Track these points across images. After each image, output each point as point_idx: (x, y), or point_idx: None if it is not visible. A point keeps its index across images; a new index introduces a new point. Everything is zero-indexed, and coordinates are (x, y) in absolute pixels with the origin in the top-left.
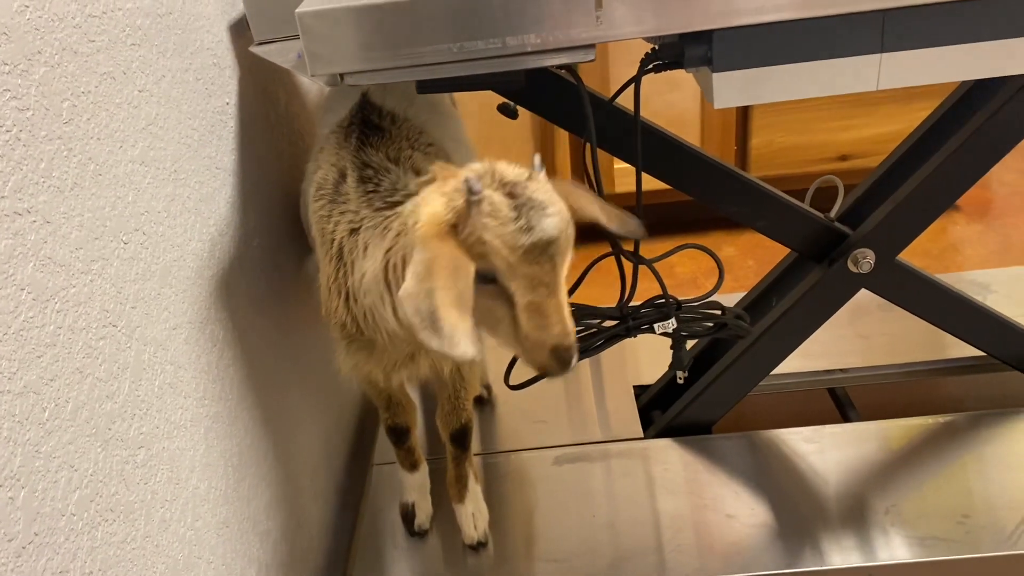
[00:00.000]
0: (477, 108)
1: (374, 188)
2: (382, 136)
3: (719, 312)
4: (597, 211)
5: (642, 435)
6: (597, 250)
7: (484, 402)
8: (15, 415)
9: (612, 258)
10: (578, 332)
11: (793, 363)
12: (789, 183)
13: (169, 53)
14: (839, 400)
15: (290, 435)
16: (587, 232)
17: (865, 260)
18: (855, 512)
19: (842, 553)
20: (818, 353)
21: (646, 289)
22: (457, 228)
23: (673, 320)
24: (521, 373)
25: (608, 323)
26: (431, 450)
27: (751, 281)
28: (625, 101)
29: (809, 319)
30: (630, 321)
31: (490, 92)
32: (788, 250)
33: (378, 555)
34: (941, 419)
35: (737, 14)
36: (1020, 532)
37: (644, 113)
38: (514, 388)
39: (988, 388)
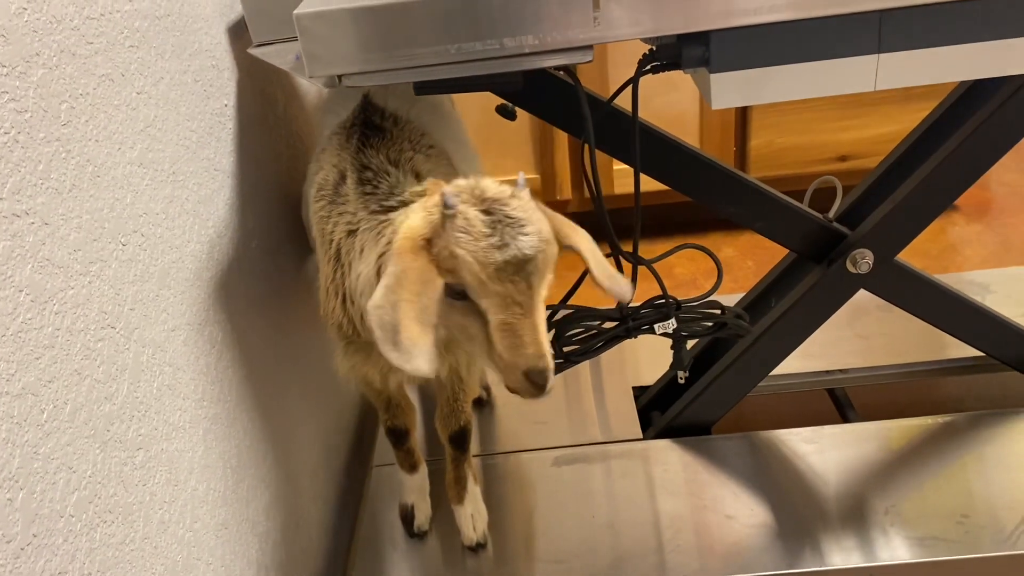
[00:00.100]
0: (476, 109)
1: (372, 190)
2: (383, 137)
3: (719, 312)
4: (586, 251)
5: (641, 436)
6: None
7: (483, 403)
8: (13, 416)
9: (611, 259)
10: (578, 334)
11: (792, 364)
12: (788, 184)
13: (167, 55)
14: (838, 400)
15: (289, 436)
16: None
17: (864, 260)
18: (855, 512)
19: (842, 553)
20: (817, 354)
21: (646, 290)
22: (431, 243)
23: (673, 320)
24: None
25: (608, 324)
26: (430, 451)
27: (750, 282)
28: (623, 102)
29: (808, 320)
30: (630, 322)
31: (488, 93)
32: (787, 251)
33: (377, 556)
34: (940, 419)
35: (735, 15)
36: (1020, 532)
37: (643, 114)
38: None
39: (987, 388)
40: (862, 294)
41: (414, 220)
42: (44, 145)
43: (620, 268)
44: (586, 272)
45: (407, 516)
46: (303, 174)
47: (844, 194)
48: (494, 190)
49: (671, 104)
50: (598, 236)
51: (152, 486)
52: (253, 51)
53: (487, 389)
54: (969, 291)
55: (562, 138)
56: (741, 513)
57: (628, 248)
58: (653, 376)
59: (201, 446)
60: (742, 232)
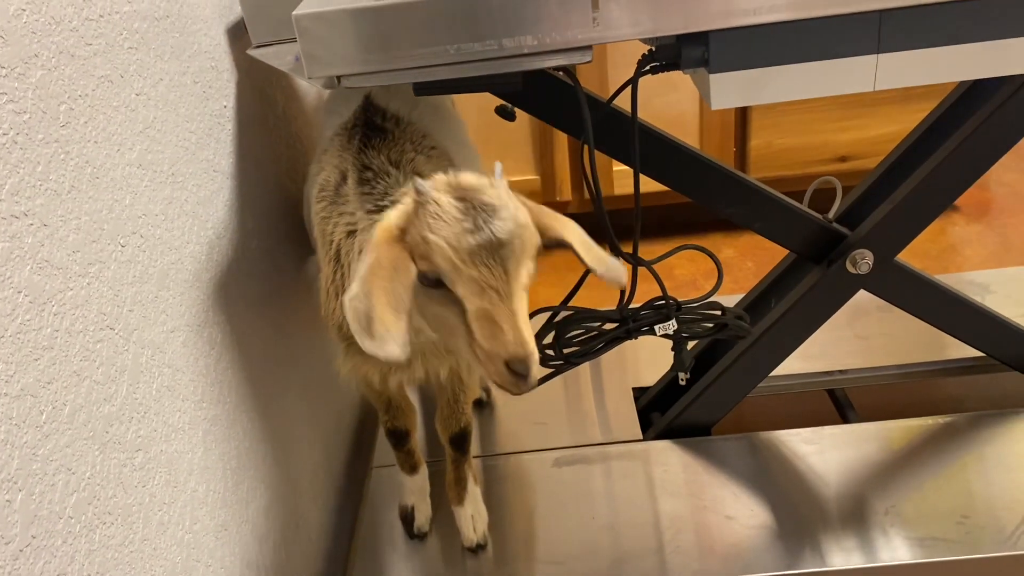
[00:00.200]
0: (475, 110)
1: (370, 190)
2: (384, 138)
3: (719, 312)
4: (574, 239)
5: (641, 437)
6: None
7: (484, 404)
8: (12, 418)
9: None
10: (578, 335)
11: (792, 364)
12: (788, 184)
13: (167, 56)
14: (838, 401)
15: (289, 438)
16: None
17: (864, 261)
18: (855, 513)
19: (842, 554)
20: (817, 354)
21: (646, 291)
22: (406, 232)
23: (673, 321)
24: None
25: (608, 325)
26: (431, 452)
27: (750, 283)
28: (623, 103)
29: (808, 320)
30: (630, 323)
31: (488, 94)
32: (787, 251)
33: (377, 558)
34: (940, 420)
35: (734, 15)
36: (1020, 532)
37: (642, 115)
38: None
39: (987, 389)
40: (862, 295)
41: (391, 213)
42: (43, 146)
43: None
44: (586, 273)
45: (407, 517)
46: (303, 175)
47: (844, 195)
48: (470, 181)
49: (671, 105)
50: (598, 237)
51: (151, 487)
52: (252, 52)
53: (487, 390)
54: (969, 291)
55: (562, 139)
56: (741, 514)
57: (628, 249)
58: (653, 377)
59: (200, 447)
60: (742, 233)
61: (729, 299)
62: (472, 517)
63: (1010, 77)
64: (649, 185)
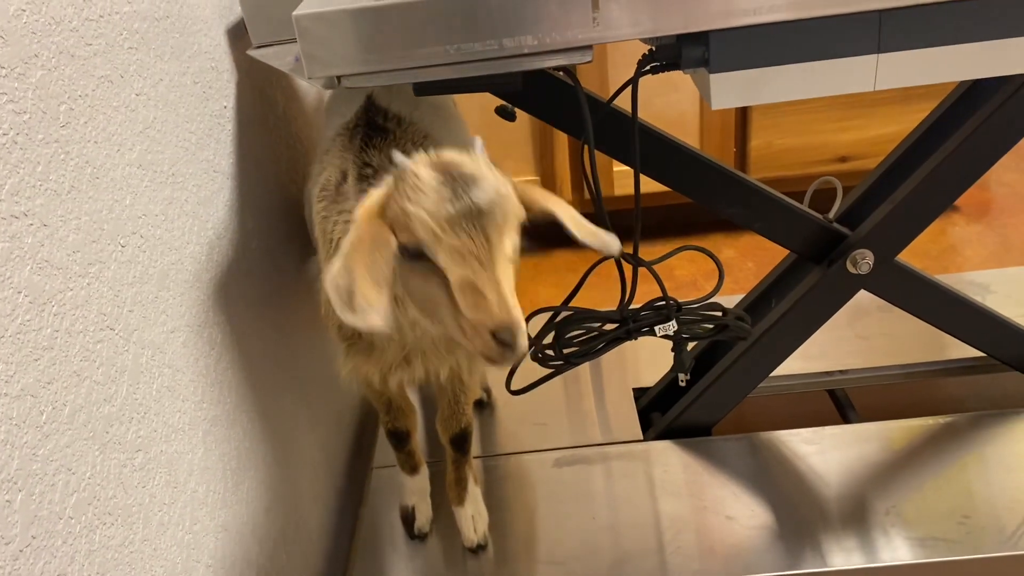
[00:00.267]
0: (475, 110)
1: (368, 187)
2: (386, 138)
3: (720, 314)
4: (562, 213)
5: (642, 437)
6: (597, 254)
7: (484, 405)
8: (12, 418)
9: (612, 261)
10: (579, 335)
11: (793, 364)
12: (788, 185)
13: (167, 57)
14: (839, 401)
15: (289, 438)
16: None
17: (864, 261)
18: (856, 513)
19: (843, 554)
20: (818, 354)
21: (646, 292)
22: (387, 208)
23: (674, 322)
24: (522, 377)
25: (609, 326)
26: (431, 453)
27: (750, 283)
28: (623, 103)
29: (808, 320)
30: (630, 324)
31: (488, 94)
32: (787, 252)
33: (378, 558)
34: (941, 420)
35: (734, 15)
36: (1021, 532)
37: (642, 115)
38: (515, 393)
39: (988, 389)
40: (862, 295)
41: (372, 192)
42: (43, 146)
43: (621, 270)
44: (587, 274)
45: (408, 518)
46: (303, 175)
47: (844, 195)
48: (450, 155)
49: (671, 105)
50: None
51: (152, 488)
52: (252, 53)
53: (488, 391)
54: (969, 291)
55: (562, 139)
56: (742, 514)
57: (628, 249)
58: (653, 377)
59: (201, 448)
60: (742, 233)
61: (729, 299)
62: (473, 517)
63: (1010, 77)
64: (649, 185)
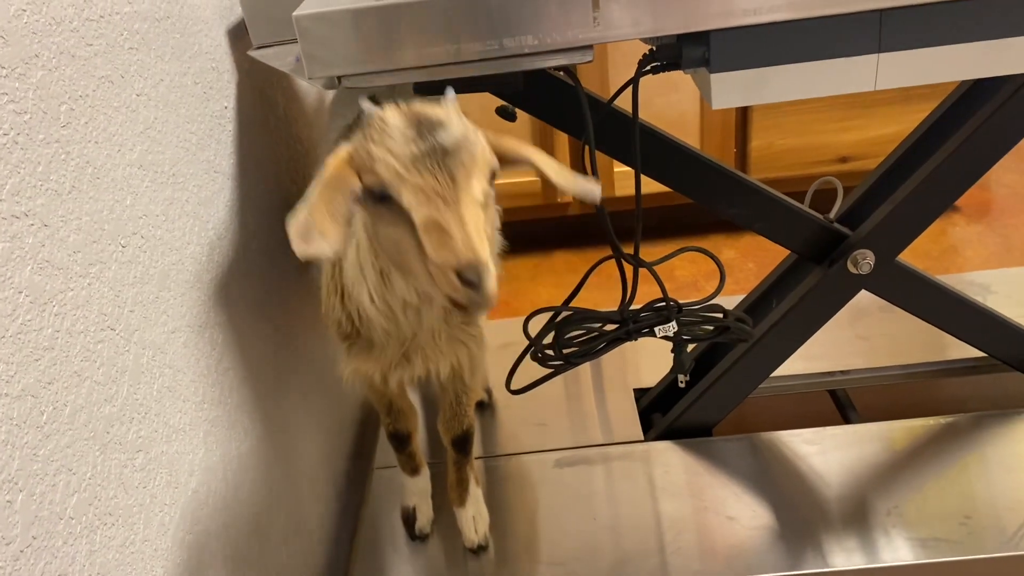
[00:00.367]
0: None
1: None
2: None
3: (720, 315)
4: (538, 159)
5: (642, 438)
6: (597, 254)
7: (485, 406)
8: (13, 418)
9: (612, 261)
10: (579, 336)
11: (794, 365)
12: (788, 185)
13: (167, 57)
14: (840, 402)
15: (290, 438)
16: (588, 236)
17: (865, 261)
18: (857, 514)
19: (844, 555)
20: (819, 355)
21: (647, 292)
22: (354, 154)
23: (674, 323)
24: (522, 377)
25: (609, 327)
26: (432, 454)
27: (751, 283)
28: (624, 103)
29: (809, 321)
30: (631, 324)
31: (488, 94)
32: (788, 252)
33: (378, 559)
34: (942, 420)
35: (735, 15)
36: (1022, 533)
37: (643, 115)
38: (515, 392)
39: (989, 389)
40: (863, 295)
41: (343, 145)
42: (44, 147)
43: (622, 271)
44: (587, 274)
45: (409, 518)
46: (303, 176)
47: (845, 195)
48: (419, 104)
49: (671, 105)
50: (599, 238)
51: (152, 488)
52: (253, 53)
53: (488, 391)
54: (970, 292)
55: (562, 139)
56: (743, 515)
57: (629, 249)
58: (654, 378)
59: (202, 448)
60: (743, 234)
61: (730, 300)
62: (473, 518)
63: (1011, 76)
64: (650, 186)
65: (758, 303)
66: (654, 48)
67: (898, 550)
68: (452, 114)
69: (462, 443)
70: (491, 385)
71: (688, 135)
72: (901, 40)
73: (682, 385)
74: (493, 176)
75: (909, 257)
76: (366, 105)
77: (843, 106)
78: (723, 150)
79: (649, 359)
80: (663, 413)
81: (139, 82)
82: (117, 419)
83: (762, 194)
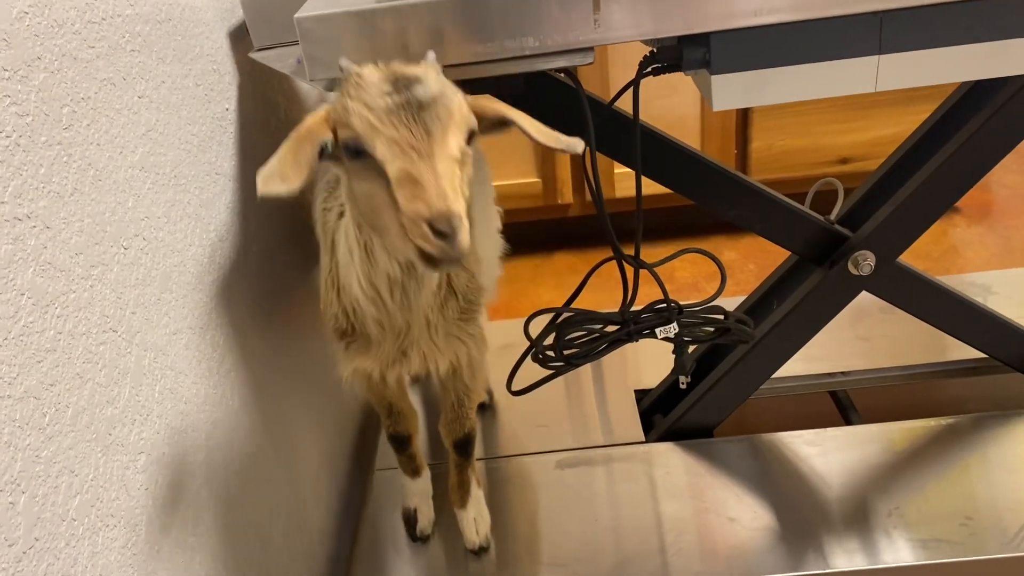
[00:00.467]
0: None
1: None
2: None
3: (721, 317)
4: (519, 117)
5: (643, 439)
6: (598, 255)
7: (486, 407)
8: (15, 420)
9: (613, 263)
10: (580, 337)
11: (794, 366)
12: (789, 186)
13: (169, 59)
14: (841, 403)
15: (292, 440)
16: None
17: (866, 262)
18: (858, 515)
19: (845, 556)
20: (819, 356)
21: (647, 294)
22: (331, 112)
23: (675, 325)
24: (523, 378)
25: (610, 328)
26: (433, 455)
27: (752, 285)
28: (624, 105)
29: (810, 322)
30: (631, 326)
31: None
32: (789, 253)
33: (380, 560)
34: (943, 421)
35: (735, 16)
36: (1023, 535)
37: (644, 116)
38: (516, 394)
39: (990, 390)
40: (864, 296)
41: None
42: (46, 149)
43: (623, 272)
44: (589, 275)
45: (410, 520)
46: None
47: (845, 196)
48: (398, 64)
49: (672, 107)
50: (600, 240)
51: (154, 490)
52: (254, 55)
53: (489, 393)
54: (971, 293)
55: None
56: (744, 516)
57: (629, 250)
58: (655, 379)
59: (204, 450)
60: (743, 235)
61: (731, 301)
62: (475, 520)
63: (1011, 78)
64: (650, 187)
65: (759, 304)
66: (655, 50)
67: (899, 551)
68: (430, 71)
69: (463, 445)
70: (492, 386)
71: (689, 136)
72: (902, 42)
73: (683, 386)
74: (472, 135)
75: (910, 258)
76: (344, 63)
77: (844, 107)
78: (724, 151)
79: (650, 360)
80: (664, 414)
81: (141, 84)
82: (119, 421)
83: (763, 195)
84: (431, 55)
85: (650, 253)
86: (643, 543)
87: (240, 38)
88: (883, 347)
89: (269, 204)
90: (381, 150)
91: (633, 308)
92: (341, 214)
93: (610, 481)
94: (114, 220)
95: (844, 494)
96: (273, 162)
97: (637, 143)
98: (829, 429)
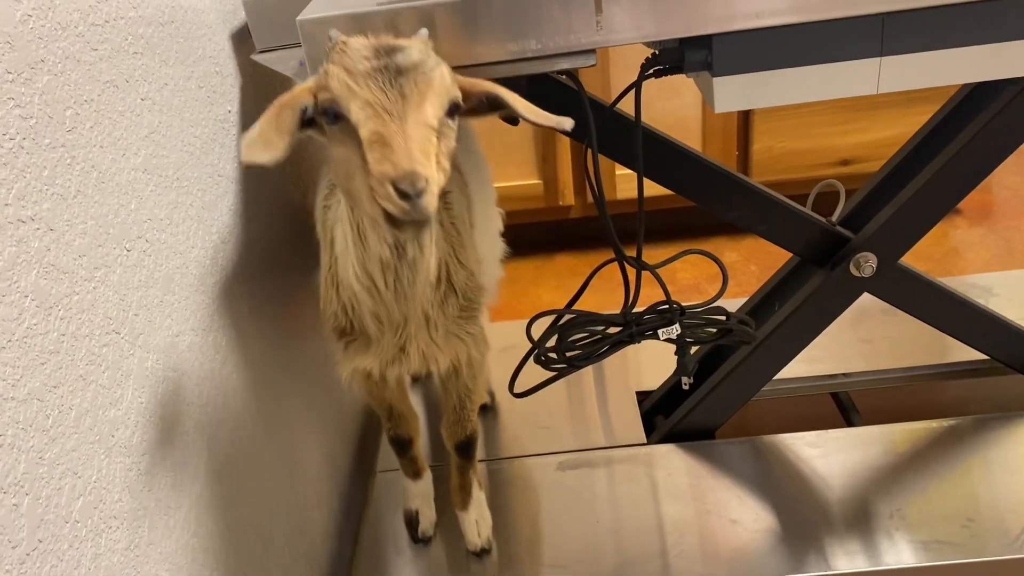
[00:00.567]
0: None
1: None
2: None
3: (723, 318)
4: (506, 95)
5: (645, 441)
6: (599, 256)
7: (488, 409)
8: (19, 422)
9: (615, 264)
10: (582, 339)
11: (796, 368)
12: (791, 188)
13: (171, 61)
14: (842, 404)
15: (293, 441)
16: (590, 239)
17: (867, 264)
18: (859, 516)
19: (847, 557)
20: (821, 357)
21: (649, 295)
22: (317, 80)
23: (677, 326)
24: (525, 380)
25: (612, 329)
26: (435, 456)
27: (753, 286)
28: (626, 107)
29: (812, 323)
30: (634, 327)
31: None
32: (790, 255)
33: (381, 562)
34: (945, 423)
35: (737, 19)
36: None
37: (645, 118)
38: (518, 396)
39: (991, 391)
40: (865, 298)
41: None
42: (49, 151)
43: (624, 273)
44: (590, 277)
45: (411, 522)
46: (306, 179)
47: (847, 198)
48: (387, 36)
49: (673, 109)
50: (601, 241)
51: (157, 492)
52: (256, 57)
53: (491, 394)
54: (972, 294)
55: (564, 143)
56: (745, 517)
57: (631, 253)
58: (656, 381)
59: (206, 452)
60: (745, 236)
61: (732, 303)
62: (476, 522)
63: (1013, 80)
64: (652, 189)
65: (760, 306)
66: (656, 52)
67: (901, 553)
68: (416, 43)
69: (465, 448)
70: (493, 388)
71: (690, 138)
72: (903, 44)
73: (686, 387)
74: (456, 109)
75: (911, 260)
76: (334, 33)
77: (845, 109)
78: (725, 153)
79: (651, 362)
80: (665, 416)
81: (143, 86)
82: (122, 422)
83: (764, 197)
84: (423, 31)
85: (651, 254)
86: (644, 545)
87: (242, 40)
88: (884, 349)
89: (270, 206)
90: (355, 112)
91: (635, 310)
92: None
93: (611, 483)
94: (117, 222)
95: (846, 496)
96: (255, 128)
97: (638, 145)
98: (831, 431)
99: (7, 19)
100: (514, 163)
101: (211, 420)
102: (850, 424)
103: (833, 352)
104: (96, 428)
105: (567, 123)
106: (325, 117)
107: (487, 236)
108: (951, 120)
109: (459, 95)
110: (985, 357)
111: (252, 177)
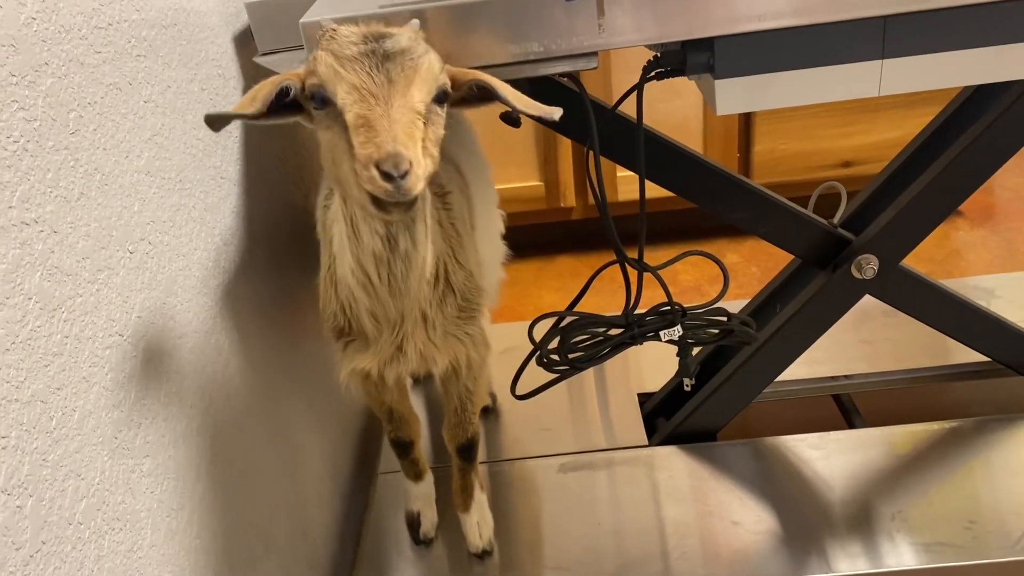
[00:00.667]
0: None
1: None
2: None
3: (725, 319)
4: (496, 85)
5: (646, 442)
6: (601, 258)
7: (489, 411)
8: (23, 424)
9: (616, 266)
10: (584, 340)
11: (797, 370)
12: (792, 190)
13: (174, 64)
14: (844, 406)
15: (295, 443)
16: (591, 240)
17: (869, 266)
18: (861, 518)
19: (848, 559)
20: (822, 359)
21: (651, 297)
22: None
23: (679, 327)
24: (527, 382)
25: (614, 331)
26: (436, 458)
27: (755, 288)
28: (628, 109)
29: (813, 325)
30: (635, 329)
31: None
32: (792, 257)
33: (383, 563)
34: (946, 425)
35: (739, 21)
36: None
37: (647, 120)
38: (520, 398)
39: (993, 393)
40: (867, 299)
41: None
42: (53, 153)
43: (626, 275)
44: (592, 279)
45: (413, 523)
46: (308, 182)
47: (848, 200)
48: (380, 25)
49: (675, 111)
50: (603, 243)
51: (160, 493)
52: (259, 60)
53: (493, 396)
54: (974, 296)
55: (566, 145)
56: (747, 519)
57: (633, 255)
58: (658, 382)
59: (208, 453)
60: (746, 238)
61: (734, 304)
62: (478, 523)
63: (1014, 82)
64: (653, 191)
65: (762, 308)
66: (658, 54)
67: (902, 555)
68: (406, 31)
69: (467, 450)
70: (495, 390)
71: (691, 140)
72: (905, 46)
73: (687, 389)
74: (444, 96)
75: (912, 261)
76: (326, 21)
77: (846, 111)
78: (726, 155)
79: (652, 364)
80: (667, 418)
81: (146, 89)
82: (125, 424)
83: (766, 199)
84: (415, 21)
85: (652, 256)
86: (646, 547)
87: (245, 43)
88: (886, 351)
89: (272, 208)
90: (342, 96)
91: (637, 311)
92: None
93: (613, 485)
94: (120, 224)
95: (847, 498)
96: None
97: (640, 147)
98: (832, 433)
99: (11, 22)
100: (515, 164)
101: (214, 422)
102: (852, 426)
103: (835, 354)
104: (99, 430)
105: (556, 112)
106: (313, 102)
107: (488, 238)
108: (953, 122)
109: (448, 83)
110: (986, 359)
111: (255, 179)
